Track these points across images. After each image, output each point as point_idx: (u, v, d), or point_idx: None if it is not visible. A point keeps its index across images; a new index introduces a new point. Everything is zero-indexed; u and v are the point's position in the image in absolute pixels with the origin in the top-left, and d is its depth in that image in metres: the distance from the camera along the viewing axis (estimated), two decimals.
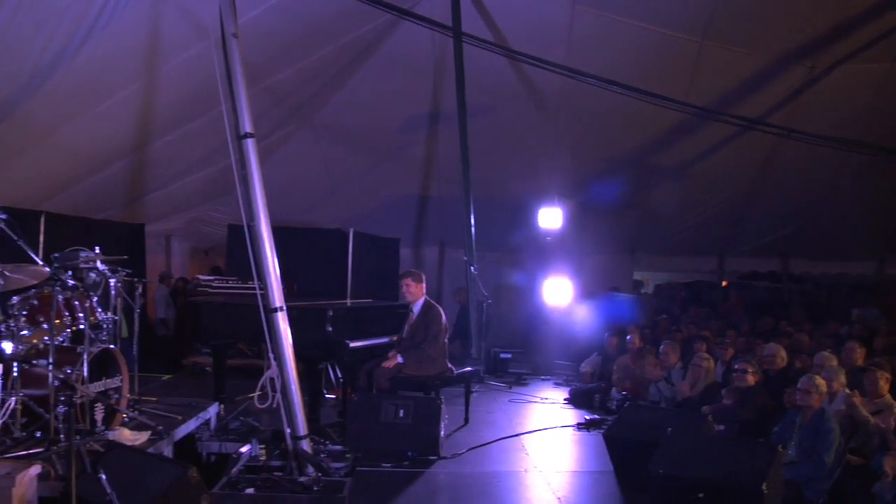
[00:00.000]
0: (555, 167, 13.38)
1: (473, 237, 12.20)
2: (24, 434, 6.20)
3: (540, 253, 14.50)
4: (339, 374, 10.08)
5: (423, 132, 13.65)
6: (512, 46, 10.85)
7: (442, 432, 7.86)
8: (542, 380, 12.76)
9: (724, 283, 17.82)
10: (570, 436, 8.95)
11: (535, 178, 13.64)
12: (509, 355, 13.17)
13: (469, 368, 9.75)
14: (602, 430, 8.31)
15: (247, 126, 7.02)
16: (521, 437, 8.73)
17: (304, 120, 13.22)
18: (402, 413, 7.72)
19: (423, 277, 9.16)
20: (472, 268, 12.24)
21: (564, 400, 10.90)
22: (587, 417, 9.44)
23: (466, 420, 9.14)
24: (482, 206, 12.42)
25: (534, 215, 13.72)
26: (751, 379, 8.18)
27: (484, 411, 9.99)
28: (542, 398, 11.16)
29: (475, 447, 8.13)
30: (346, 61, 11.62)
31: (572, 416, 9.89)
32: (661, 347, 10.12)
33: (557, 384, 12.36)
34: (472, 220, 12.13)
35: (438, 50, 11.67)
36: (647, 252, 17.17)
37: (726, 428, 7.86)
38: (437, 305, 9.01)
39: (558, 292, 13.71)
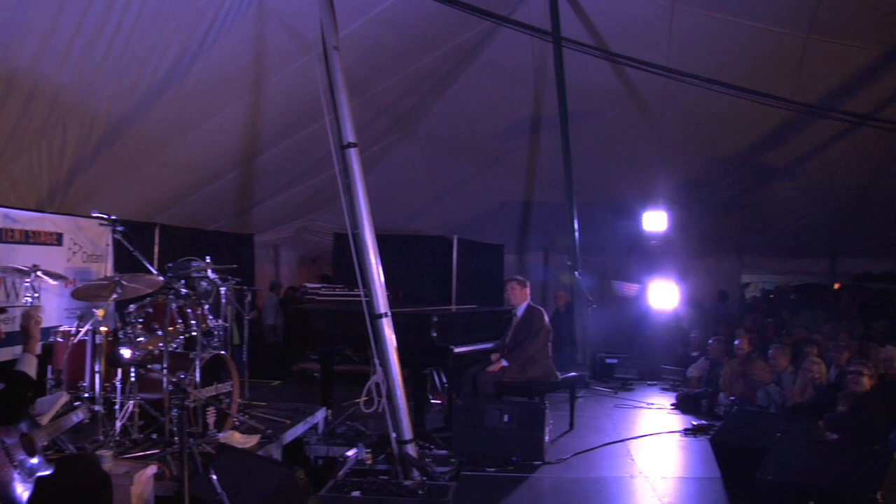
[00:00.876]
0: (659, 169, 13.20)
1: (577, 242, 12.16)
2: (142, 436, 6.47)
3: (645, 256, 14.35)
4: (444, 380, 10.16)
5: (525, 137, 13.66)
6: (611, 49, 10.78)
7: (546, 437, 7.84)
8: (649, 385, 12.62)
9: (836, 286, 17.20)
10: (677, 441, 8.84)
11: (639, 181, 13.51)
12: (615, 360, 13.08)
13: (574, 374, 9.73)
14: (709, 436, 8.18)
15: (349, 136, 7.16)
16: (627, 442, 8.65)
17: (407, 129, 13.39)
18: (506, 418, 7.72)
19: (527, 283, 9.22)
20: (576, 273, 12.20)
21: (671, 405, 10.75)
22: (694, 423, 9.30)
23: (571, 425, 9.11)
24: (586, 211, 12.38)
25: (638, 219, 13.58)
26: (867, 383, 7.92)
27: (589, 416, 9.93)
28: (648, 403, 11.03)
29: (580, 452, 8.09)
30: (446, 70, 11.72)
31: (679, 421, 9.75)
32: (771, 351, 9.90)
33: (664, 389, 12.22)
34: (576, 225, 12.09)
35: (538, 55, 11.68)
36: (756, 254, 16.75)
37: (840, 436, 7.63)
38: (541, 308, 9.04)
39: (664, 296, 13.53)
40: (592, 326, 12.67)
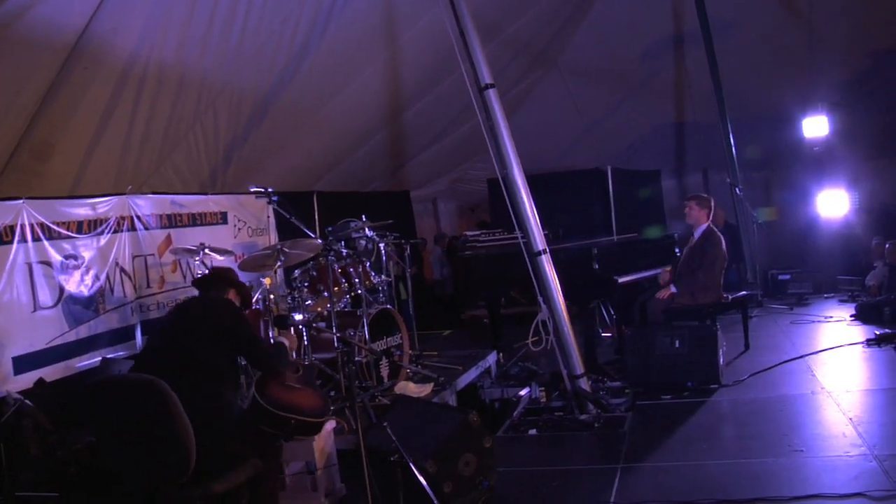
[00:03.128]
0: (815, 71, 12.54)
1: (735, 158, 11.78)
2: None
3: (809, 166, 13.75)
4: (612, 312, 10.11)
5: (669, 57, 13.23)
6: None
7: (721, 360, 7.67)
8: (825, 298, 12.15)
9: None
10: (860, 353, 8.43)
11: (795, 87, 12.88)
12: (788, 276, 12.68)
13: (745, 292, 9.48)
14: (895, 345, 7.82)
15: (486, 77, 7.17)
16: (806, 358, 8.33)
17: (547, 65, 13.20)
18: (678, 343, 7.58)
19: (711, 202, 8.76)
20: (737, 189, 11.85)
21: (851, 316, 10.26)
22: (877, 332, 8.82)
23: (747, 346, 8.90)
24: (741, 125, 11.95)
25: (798, 126, 13.00)
26: None
27: (764, 335, 9.66)
28: (826, 317, 10.60)
29: (757, 372, 7.87)
30: None
31: (860, 332, 9.29)
32: None
33: (842, 301, 11.72)
34: (732, 141, 11.71)
35: None
36: None
37: None
38: (719, 234, 8.65)
39: (834, 205, 12.96)
40: (760, 242, 12.26)
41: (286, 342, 5.19)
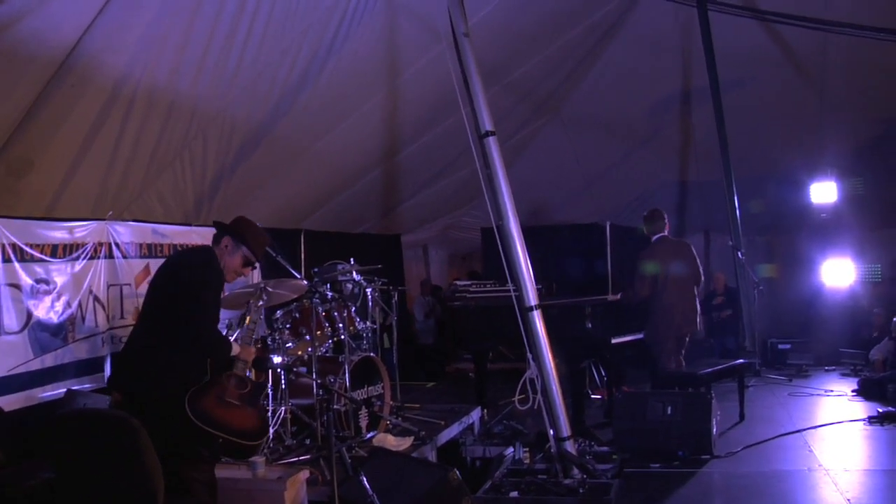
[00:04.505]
0: (825, 136, 12.67)
1: (739, 220, 11.83)
2: (294, 441, 6.72)
3: (815, 232, 13.81)
4: (604, 373, 10.07)
5: (675, 113, 13.37)
6: (761, 7, 10.40)
7: (715, 429, 7.62)
8: (826, 371, 12.16)
9: None
10: (861, 431, 8.43)
11: (804, 151, 13.02)
12: (788, 345, 12.68)
13: (742, 360, 9.49)
14: None
15: (487, 124, 7.18)
16: (804, 433, 8.32)
17: (550, 114, 13.30)
18: (670, 410, 7.56)
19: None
20: (738, 253, 11.89)
21: (852, 392, 10.27)
22: (880, 410, 8.82)
23: (742, 416, 8.88)
24: (746, 186, 12.03)
25: (805, 191, 13.07)
26: None
27: (761, 406, 9.65)
28: (826, 390, 10.61)
29: (752, 444, 7.85)
30: (586, 48, 11.59)
31: (862, 409, 9.29)
32: None
33: (844, 375, 11.73)
34: (736, 202, 11.77)
35: (683, 23, 11.38)
36: None
37: None
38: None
39: (839, 274, 12.99)
40: (761, 309, 12.27)
41: (237, 348, 5.15)
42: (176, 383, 4.75)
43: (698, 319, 9.12)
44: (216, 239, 5.35)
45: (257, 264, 5.87)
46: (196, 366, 4.98)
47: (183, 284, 4.96)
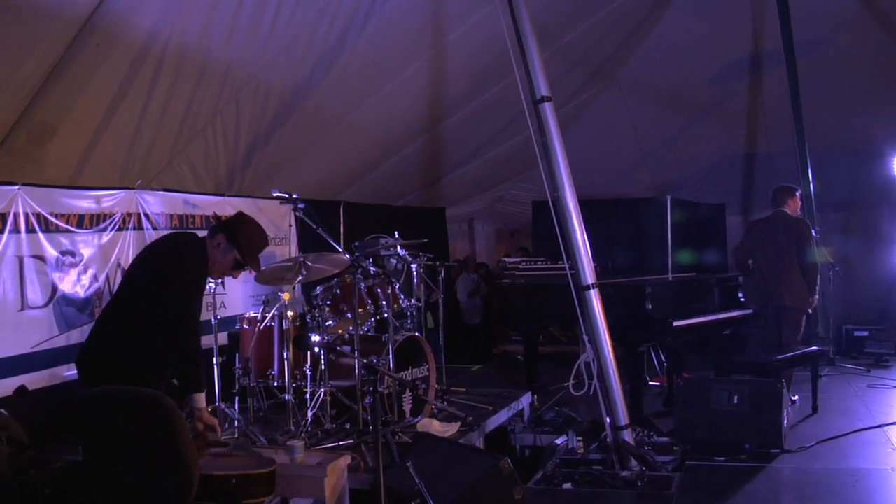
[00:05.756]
0: None
1: (813, 195, 11.60)
2: (334, 425, 6.69)
3: None
4: (663, 358, 9.96)
5: (744, 80, 13.08)
6: None
7: (785, 422, 7.43)
8: None
9: None
10: None
11: (888, 119, 12.68)
12: (866, 333, 12.38)
13: (815, 348, 9.30)
14: None
15: (543, 89, 7.06)
16: (885, 428, 8.05)
17: (606, 80, 13.10)
18: (736, 399, 7.39)
19: None
20: (813, 231, 11.67)
21: None
22: None
23: (815, 408, 8.67)
24: (822, 159, 11.78)
25: (888, 164, 12.80)
26: None
27: (836, 398, 9.40)
28: None
29: (826, 439, 7.63)
30: (647, 9, 11.39)
31: None
32: None
33: None
34: (811, 176, 11.55)
35: None
36: None
37: None
38: None
39: None
40: (835, 293, 12.04)
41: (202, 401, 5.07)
42: (147, 372, 4.72)
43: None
44: (212, 232, 5.28)
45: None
46: (168, 357, 4.94)
47: (166, 269, 4.95)
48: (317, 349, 6.66)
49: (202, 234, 7.30)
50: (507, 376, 10.07)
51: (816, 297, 9.24)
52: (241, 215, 5.52)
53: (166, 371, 4.92)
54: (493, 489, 4.93)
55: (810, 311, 9.35)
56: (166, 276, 4.93)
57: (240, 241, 5.22)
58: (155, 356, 4.86)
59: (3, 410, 5.34)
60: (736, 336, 10.13)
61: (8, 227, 6.21)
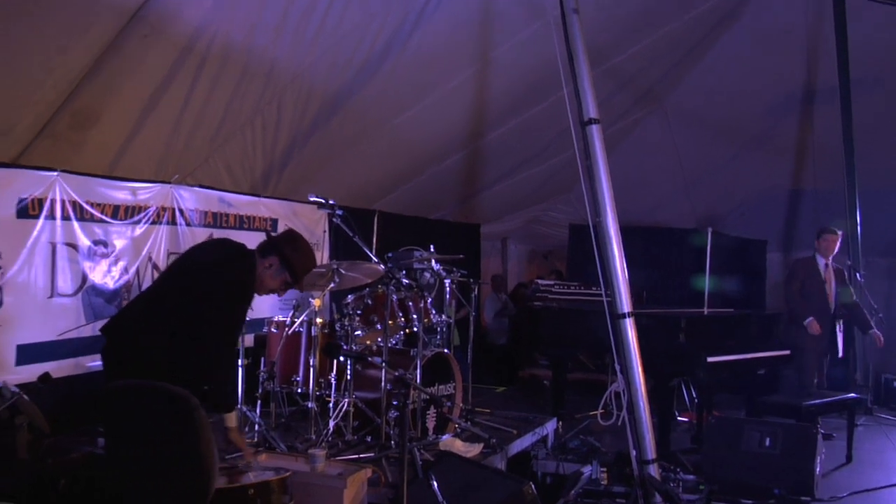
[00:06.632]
0: None
1: (860, 238, 11.57)
2: (356, 437, 6.73)
3: None
4: (694, 393, 9.94)
5: (794, 114, 13.07)
6: None
7: (818, 469, 7.38)
8: None
9: None
10: None
11: None
12: None
13: (852, 395, 9.26)
14: None
15: (591, 111, 7.07)
16: None
17: (653, 105, 13.12)
18: (768, 441, 7.37)
19: None
20: (857, 274, 11.63)
21: None
22: None
23: (849, 457, 8.63)
24: (870, 201, 11.74)
25: None
26: None
27: (871, 449, 9.29)
28: None
29: (861, 491, 7.58)
30: (700, 35, 11.38)
31: None
32: None
33: None
34: (859, 218, 11.51)
35: (813, 12, 11.11)
36: None
37: None
38: None
39: None
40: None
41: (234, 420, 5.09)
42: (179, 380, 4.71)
43: None
44: (263, 251, 5.28)
45: None
46: (201, 369, 4.98)
47: (220, 284, 4.94)
48: (342, 358, 6.70)
49: (237, 235, 7.44)
50: (533, 400, 10.05)
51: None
52: (293, 236, 5.53)
53: (198, 382, 4.92)
54: None
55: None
56: (216, 294, 4.93)
57: (294, 265, 5.26)
58: (188, 367, 4.81)
59: (25, 396, 5.44)
60: (769, 376, 10.07)
61: (44, 213, 6.34)
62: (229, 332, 5.07)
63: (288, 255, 5.26)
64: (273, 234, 5.73)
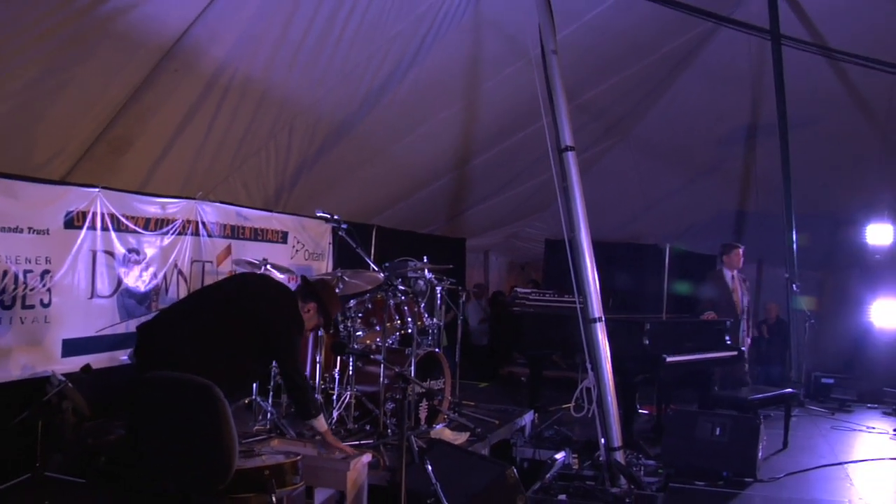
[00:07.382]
0: (884, 178, 12.41)
1: (795, 254, 11.65)
2: (356, 426, 6.76)
3: (867, 272, 13.55)
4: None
5: (740, 146, 13.17)
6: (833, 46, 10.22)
7: (760, 454, 7.50)
8: (869, 408, 11.77)
9: None
10: None
11: (863, 192, 12.75)
12: (832, 380, 12.37)
13: (790, 390, 9.34)
14: None
15: (567, 139, 7.16)
16: (846, 466, 8.09)
17: (620, 135, 13.20)
18: (718, 431, 7.47)
19: None
20: (794, 286, 11.70)
21: (894, 431, 9.99)
22: None
23: (785, 444, 8.68)
24: (804, 223, 11.82)
25: (861, 232, 12.85)
26: None
27: (803, 436, 9.37)
28: (868, 427, 10.27)
29: (794, 472, 7.66)
30: (661, 75, 11.47)
31: None
32: None
33: (886, 413, 11.35)
34: (794, 237, 11.60)
35: (756, 58, 11.18)
36: None
37: None
38: None
39: (889, 315, 12.73)
40: (809, 343, 12.06)
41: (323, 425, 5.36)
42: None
43: None
44: (303, 295, 5.43)
45: None
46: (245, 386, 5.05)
47: (281, 324, 5.08)
48: (351, 356, 6.76)
49: (252, 246, 7.48)
50: (512, 395, 10.07)
51: None
52: (328, 287, 5.75)
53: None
54: (499, 495, 4.97)
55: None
56: (283, 330, 5.09)
57: (329, 312, 5.49)
58: (220, 376, 4.53)
59: (70, 384, 5.46)
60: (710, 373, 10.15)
61: (87, 224, 6.41)
62: (296, 359, 5.27)
63: (327, 304, 5.45)
64: (309, 279, 5.85)
